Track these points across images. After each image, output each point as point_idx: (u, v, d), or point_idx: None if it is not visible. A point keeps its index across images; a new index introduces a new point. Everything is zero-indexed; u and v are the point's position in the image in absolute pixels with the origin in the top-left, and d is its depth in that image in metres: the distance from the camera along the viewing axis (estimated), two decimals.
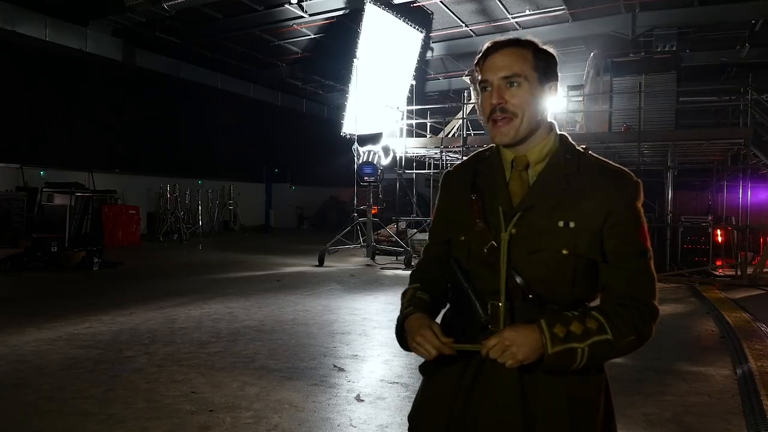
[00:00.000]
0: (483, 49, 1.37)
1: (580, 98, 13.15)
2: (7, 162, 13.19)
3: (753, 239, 12.00)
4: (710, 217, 12.15)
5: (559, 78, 1.40)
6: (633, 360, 5.04)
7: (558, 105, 12.28)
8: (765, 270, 9.95)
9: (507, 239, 1.31)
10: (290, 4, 13.74)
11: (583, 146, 1.39)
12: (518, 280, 1.30)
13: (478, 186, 1.40)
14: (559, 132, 1.40)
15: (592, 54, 13.19)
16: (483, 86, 1.36)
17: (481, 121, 1.42)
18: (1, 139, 13.34)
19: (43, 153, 14.20)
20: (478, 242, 1.35)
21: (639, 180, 1.34)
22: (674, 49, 13.79)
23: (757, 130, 11.20)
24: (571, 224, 1.29)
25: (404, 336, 1.40)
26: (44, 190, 12.89)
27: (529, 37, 1.38)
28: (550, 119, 1.39)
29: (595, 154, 1.38)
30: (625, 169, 1.35)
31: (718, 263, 11.47)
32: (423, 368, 1.45)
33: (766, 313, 6.98)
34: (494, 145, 1.43)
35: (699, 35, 14.83)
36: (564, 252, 1.29)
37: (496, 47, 1.35)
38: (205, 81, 19.00)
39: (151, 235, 16.21)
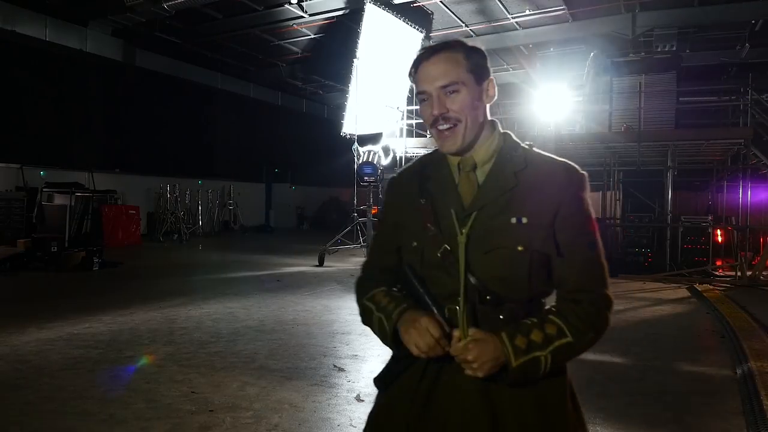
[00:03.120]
0: (414, 58, 1.36)
1: (580, 98, 13.15)
2: (7, 162, 13.18)
3: (753, 239, 12.00)
4: (710, 217, 12.15)
5: (493, 76, 1.38)
6: (633, 360, 5.05)
7: (559, 105, 12.29)
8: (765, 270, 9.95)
9: (464, 242, 1.30)
10: (290, 4, 13.74)
11: (528, 143, 1.39)
12: (472, 280, 1.28)
13: (427, 191, 1.39)
14: (502, 131, 1.40)
15: (592, 54, 13.19)
16: (421, 97, 1.36)
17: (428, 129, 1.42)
18: (1, 139, 13.33)
19: (43, 153, 14.18)
20: (430, 247, 1.34)
21: (584, 172, 1.35)
22: (674, 49, 13.80)
23: (757, 130, 11.21)
24: (524, 220, 1.29)
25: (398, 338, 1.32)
26: (44, 190, 12.88)
27: (457, 38, 1.38)
28: (490, 117, 1.39)
29: (540, 151, 1.38)
30: (570, 162, 1.36)
31: (718, 263, 11.47)
32: (380, 380, 1.40)
33: (766, 313, 6.98)
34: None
35: (699, 35, 14.82)
36: (519, 248, 1.28)
37: (427, 55, 1.34)
38: (205, 81, 19.00)
39: (151, 235, 16.19)
